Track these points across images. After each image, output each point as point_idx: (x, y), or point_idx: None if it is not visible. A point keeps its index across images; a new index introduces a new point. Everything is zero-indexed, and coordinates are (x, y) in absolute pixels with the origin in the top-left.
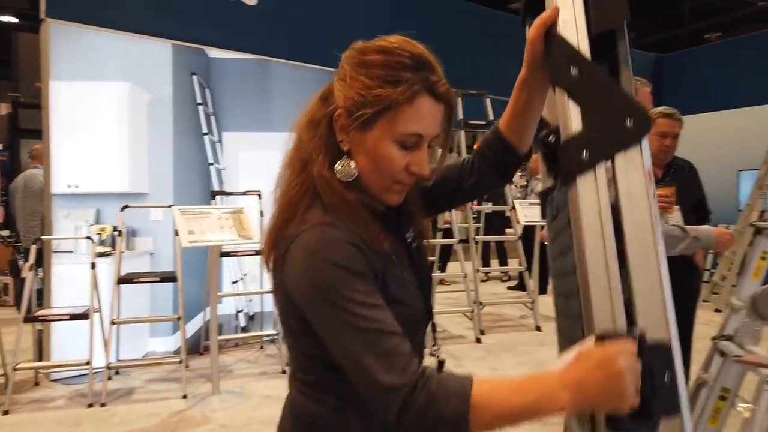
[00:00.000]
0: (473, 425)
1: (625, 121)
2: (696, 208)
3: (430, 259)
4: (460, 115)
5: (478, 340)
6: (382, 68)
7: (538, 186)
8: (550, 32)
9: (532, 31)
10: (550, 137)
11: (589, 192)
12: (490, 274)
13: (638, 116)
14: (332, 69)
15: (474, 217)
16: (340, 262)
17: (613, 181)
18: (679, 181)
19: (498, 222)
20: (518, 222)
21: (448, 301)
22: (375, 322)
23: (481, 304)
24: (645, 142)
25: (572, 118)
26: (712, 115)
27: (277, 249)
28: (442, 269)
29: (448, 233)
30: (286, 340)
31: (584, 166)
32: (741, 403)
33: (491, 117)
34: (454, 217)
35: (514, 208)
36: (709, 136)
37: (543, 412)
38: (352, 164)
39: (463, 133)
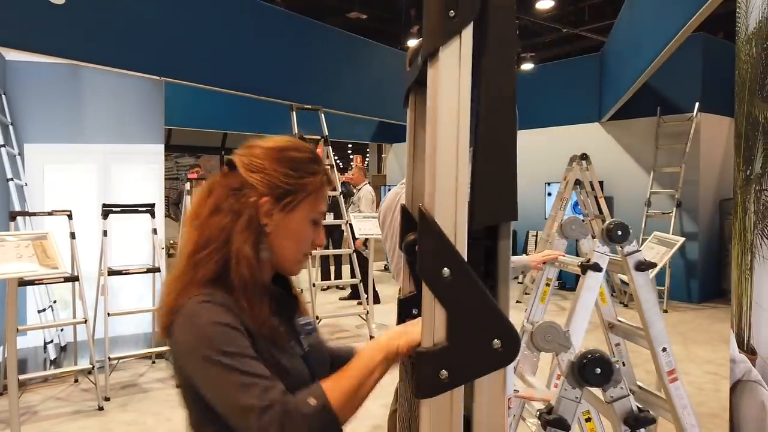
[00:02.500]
0: (337, 407)
1: (492, 342)
2: None
3: None
4: (295, 130)
5: None
6: (302, 162)
7: (360, 201)
8: (426, 216)
9: (404, 349)
10: (417, 246)
11: (443, 409)
12: (329, 285)
13: (508, 338)
14: (155, 77)
15: None
16: (219, 320)
17: (470, 400)
18: None
19: (338, 235)
20: (353, 236)
21: None
22: (253, 371)
23: (317, 318)
24: (510, 368)
25: (436, 326)
26: (522, 132)
27: (168, 318)
28: None
29: None
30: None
31: (441, 388)
32: (530, 418)
33: (326, 131)
34: None
35: (349, 223)
36: (520, 152)
37: (373, 368)
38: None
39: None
